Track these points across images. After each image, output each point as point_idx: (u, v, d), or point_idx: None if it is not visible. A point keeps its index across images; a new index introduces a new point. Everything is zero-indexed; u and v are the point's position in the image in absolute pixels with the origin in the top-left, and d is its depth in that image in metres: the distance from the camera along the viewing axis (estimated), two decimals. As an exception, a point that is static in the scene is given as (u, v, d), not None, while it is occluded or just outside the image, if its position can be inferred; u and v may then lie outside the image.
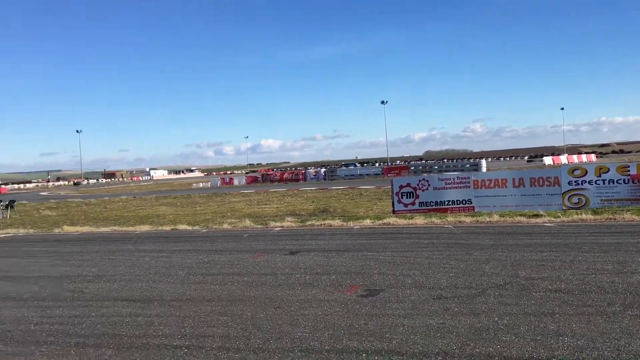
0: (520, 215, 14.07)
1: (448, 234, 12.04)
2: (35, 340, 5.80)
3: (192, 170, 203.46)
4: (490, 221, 13.74)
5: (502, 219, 13.88)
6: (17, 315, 6.93)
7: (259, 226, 15.89)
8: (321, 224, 15.22)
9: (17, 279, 9.68)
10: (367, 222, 14.91)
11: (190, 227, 16.71)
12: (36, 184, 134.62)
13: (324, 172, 58.84)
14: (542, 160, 71.44)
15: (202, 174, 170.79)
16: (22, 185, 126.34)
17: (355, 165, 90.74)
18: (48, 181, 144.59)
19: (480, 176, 16.56)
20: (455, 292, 6.76)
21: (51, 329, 6.18)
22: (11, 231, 19.18)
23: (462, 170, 45.99)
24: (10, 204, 27.88)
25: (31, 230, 18.98)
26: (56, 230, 18.43)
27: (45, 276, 9.73)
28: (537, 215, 13.88)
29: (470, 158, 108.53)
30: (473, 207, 15.66)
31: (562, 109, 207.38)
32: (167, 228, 16.90)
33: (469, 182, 15.83)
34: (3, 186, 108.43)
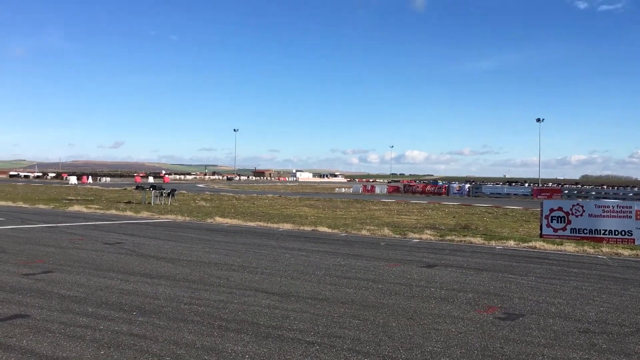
0: (691, 253, 12.57)
1: (601, 265, 11.12)
2: (184, 318, 6.32)
3: (335, 175, 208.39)
4: (652, 257, 12.44)
5: (668, 255, 12.51)
6: (170, 293, 7.60)
7: (397, 236, 15.85)
8: (461, 240, 14.80)
9: (173, 260, 10.60)
10: (511, 243, 14.24)
11: (329, 230, 17.12)
12: (195, 176, 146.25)
13: (468, 187, 57.13)
14: None
15: (345, 180, 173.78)
16: (182, 176, 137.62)
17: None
18: (205, 174, 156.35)
19: (645, 206, 15.03)
20: (605, 327, 6.23)
21: (198, 310, 6.69)
22: (171, 217, 21.02)
23: (623, 199, 42.04)
24: (172, 193, 30.57)
25: (187, 218, 20.63)
26: (209, 220, 19.87)
27: (197, 261, 10.55)
28: None
29: (635, 186, 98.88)
30: (633, 239, 14.28)
31: None
32: (308, 228, 17.47)
33: (630, 212, 14.47)
34: (167, 176, 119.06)
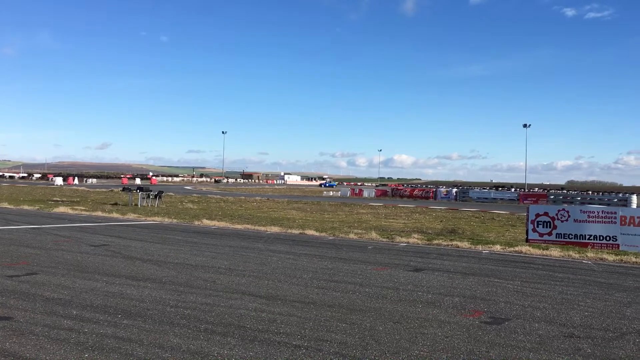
0: (674, 259, 12.70)
1: (586, 271, 11.21)
2: (169, 321, 6.28)
3: (323, 178, 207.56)
4: (636, 262, 12.56)
5: (652, 261, 12.63)
6: (155, 296, 7.55)
7: (385, 239, 15.88)
8: (448, 244, 14.86)
9: (159, 262, 10.53)
10: (497, 247, 14.32)
11: (317, 233, 17.10)
12: (182, 178, 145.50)
13: (456, 192, 57.35)
14: None
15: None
16: (170, 178, 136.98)
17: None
18: (192, 176, 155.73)
19: (629, 212, 15.16)
20: (590, 332, 6.28)
21: (184, 313, 6.65)
22: (157, 219, 20.90)
23: (608, 204, 42.42)
24: (159, 194, 30.38)
25: (174, 220, 20.53)
26: (196, 223, 19.79)
27: (183, 263, 10.49)
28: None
29: (619, 192, 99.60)
30: (618, 244, 14.41)
31: None
32: (296, 231, 17.45)
33: (615, 218, 14.60)
34: (154, 177, 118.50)
